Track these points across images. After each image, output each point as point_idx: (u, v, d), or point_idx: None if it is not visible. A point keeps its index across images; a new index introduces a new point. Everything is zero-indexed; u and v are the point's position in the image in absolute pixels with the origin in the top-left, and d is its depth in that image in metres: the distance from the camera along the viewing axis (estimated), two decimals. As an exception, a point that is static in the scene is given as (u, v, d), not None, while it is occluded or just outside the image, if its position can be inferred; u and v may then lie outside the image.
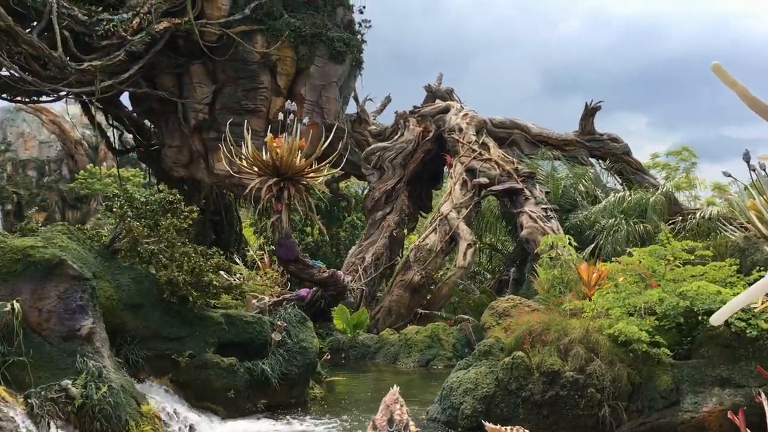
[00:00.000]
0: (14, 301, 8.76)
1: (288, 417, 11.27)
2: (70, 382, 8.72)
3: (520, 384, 9.91)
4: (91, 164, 39.86)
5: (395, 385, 9.94)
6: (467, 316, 18.15)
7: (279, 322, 12.22)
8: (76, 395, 8.61)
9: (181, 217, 11.80)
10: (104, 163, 40.70)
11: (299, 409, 11.86)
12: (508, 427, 7.76)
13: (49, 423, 8.09)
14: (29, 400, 8.07)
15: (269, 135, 15.49)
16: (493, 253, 26.72)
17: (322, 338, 19.07)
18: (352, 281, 21.66)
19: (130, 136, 32.28)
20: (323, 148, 15.42)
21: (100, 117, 29.65)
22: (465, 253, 20.77)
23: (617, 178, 25.21)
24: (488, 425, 7.97)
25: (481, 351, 10.90)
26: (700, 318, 10.20)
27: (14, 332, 8.65)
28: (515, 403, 9.87)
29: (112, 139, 33.23)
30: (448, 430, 10.07)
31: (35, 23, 20.57)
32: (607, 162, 25.00)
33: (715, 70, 2.52)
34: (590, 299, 11.37)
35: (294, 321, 12.64)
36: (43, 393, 8.31)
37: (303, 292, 18.18)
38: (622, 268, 11.80)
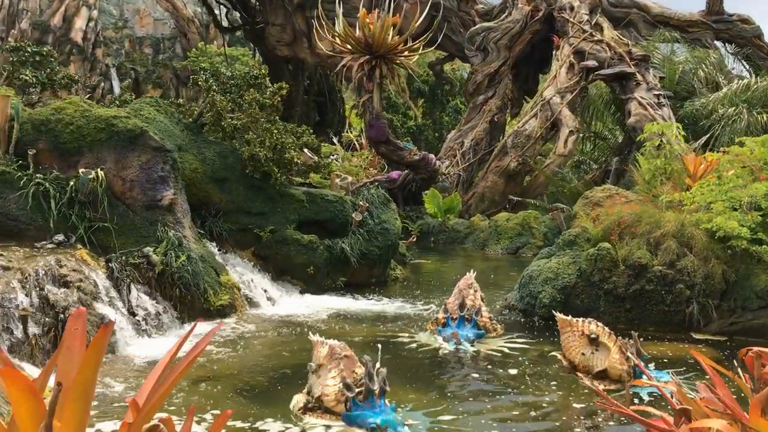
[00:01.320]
0: (98, 170, 8.99)
1: (364, 295, 11.35)
2: (151, 249, 9.00)
3: (604, 276, 9.44)
4: (202, 42, 40.42)
5: (471, 270, 9.84)
6: (562, 205, 17.46)
7: (361, 203, 12.13)
8: (156, 262, 8.91)
9: (266, 93, 11.65)
10: (215, 42, 41.19)
11: (378, 288, 11.91)
12: (581, 320, 7.43)
13: (129, 286, 8.42)
14: (110, 264, 8.38)
15: (362, 10, 14.92)
16: (599, 142, 25.42)
17: (412, 221, 19.11)
18: (449, 166, 21.27)
19: (237, 14, 32.29)
20: (417, 25, 14.71)
21: (207, -7, 29.74)
22: (566, 141, 19.82)
23: (744, 63, 23.02)
24: (559, 316, 7.65)
25: (565, 240, 10.42)
26: (812, 216, 9.23)
27: (99, 199, 8.92)
28: (596, 296, 9.44)
29: (219, 16, 33.35)
30: (524, 319, 9.82)
31: None
32: (734, 46, 22.78)
33: None
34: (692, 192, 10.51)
35: (377, 202, 12.52)
36: (123, 258, 8.62)
37: (394, 174, 18.01)
38: (729, 159, 10.78)
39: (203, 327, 8.87)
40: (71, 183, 8.83)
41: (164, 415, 5.19)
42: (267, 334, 8.78)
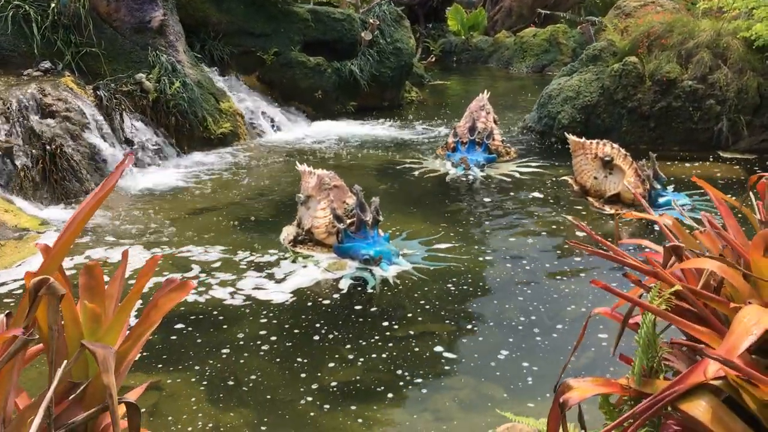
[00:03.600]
0: (79, -11, 8.32)
1: (376, 120, 10.91)
2: (144, 75, 8.55)
3: (628, 93, 8.80)
4: None
5: (485, 91, 9.27)
6: (594, 18, 16.29)
7: (371, 20, 11.32)
8: (150, 89, 8.49)
9: None
10: None
11: (390, 112, 11.45)
12: (595, 141, 6.97)
13: (122, 115, 8.06)
14: (98, 92, 7.97)
15: None
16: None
17: (433, 40, 18.19)
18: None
19: None
20: None
21: None
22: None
23: None
24: (571, 138, 7.18)
25: (588, 55, 9.65)
26: None
27: (83, 22, 8.36)
28: (619, 114, 8.87)
29: None
30: (541, 141, 9.35)
31: None
32: None
33: None
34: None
35: (389, 19, 11.70)
36: (113, 85, 8.20)
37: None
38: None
39: (200, 156, 8.67)
40: (52, 5, 8.23)
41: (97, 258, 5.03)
42: (270, 163, 8.52)
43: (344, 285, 4.84)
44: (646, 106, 8.73)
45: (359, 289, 4.81)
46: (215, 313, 4.47)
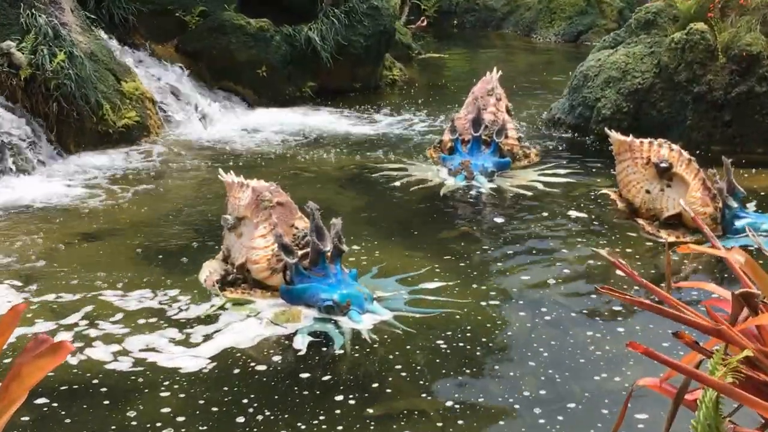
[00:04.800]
0: None
1: (342, 108, 11.02)
2: (13, 44, 8.53)
3: (694, 74, 8.91)
4: None
5: (495, 70, 9.31)
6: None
7: (337, -33, 11.45)
8: (22, 62, 8.48)
9: None
10: None
11: (364, 97, 11.60)
12: (648, 141, 7.00)
13: (-19, 100, 8.02)
14: (-53, 68, 7.92)
15: None
16: None
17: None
18: None
19: None
20: None
21: None
22: None
23: None
24: (614, 135, 7.22)
25: (639, 21, 9.77)
26: None
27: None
28: (681, 102, 8.97)
29: None
30: (573, 138, 9.42)
31: None
32: None
33: None
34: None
35: (362, -35, 11.84)
36: (-32, 58, 8.17)
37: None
38: None
39: (93, 158, 8.66)
40: None
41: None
42: (191, 167, 8.58)
43: (300, 344, 4.78)
44: (718, 91, 8.84)
45: (324, 349, 4.75)
46: (95, 382, 4.40)
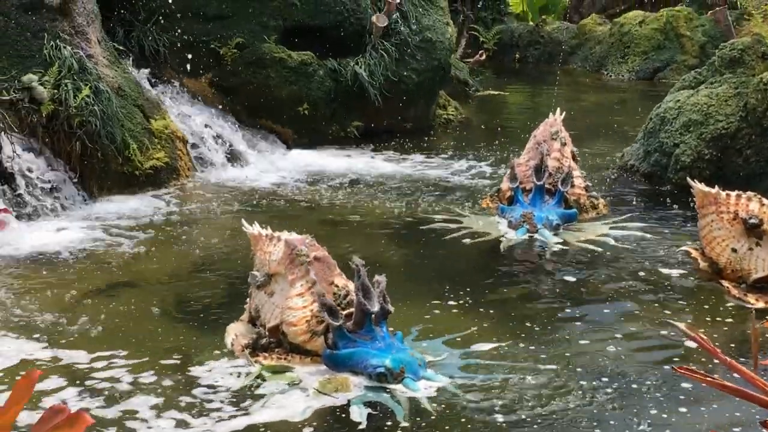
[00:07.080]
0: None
1: (388, 150, 11.11)
2: (35, 78, 8.68)
3: (788, 117, 8.87)
4: None
5: (559, 111, 9.29)
6: (734, -1, 16.54)
7: (388, -3, 11.56)
8: (44, 97, 8.60)
9: None
10: None
11: (415, 139, 11.64)
12: (735, 194, 6.94)
13: (-1, 137, 8.17)
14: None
15: None
16: None
17: (485, 26, 18.47)
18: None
19: None
20: None
21: None
22: None
23: None
24: (698, 187, 7.16)
25: (723, 58, 9.71)
26: None
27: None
28: (772, 151, 8.91)
29: None
30: (648, 189, 9.37)
31: None
32: None
33: None
34: None
35: (415, -5, 11.96)
36: (-14, 92, 8.33)
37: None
38: None
39: (119, 203, 8.75)
40: None
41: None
42: (223, 214, 8.63)
43: (359, 416, 4.70)
44: (816, 137, 8.77)
45: (387, 422, 4.68)
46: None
